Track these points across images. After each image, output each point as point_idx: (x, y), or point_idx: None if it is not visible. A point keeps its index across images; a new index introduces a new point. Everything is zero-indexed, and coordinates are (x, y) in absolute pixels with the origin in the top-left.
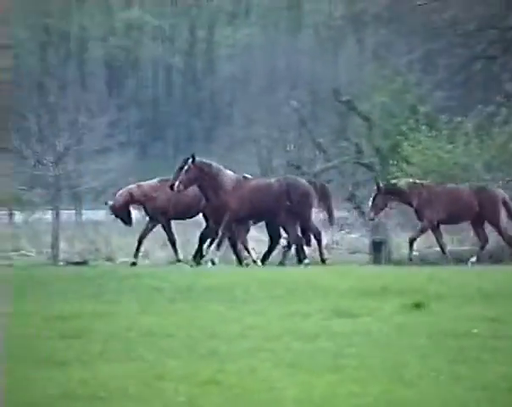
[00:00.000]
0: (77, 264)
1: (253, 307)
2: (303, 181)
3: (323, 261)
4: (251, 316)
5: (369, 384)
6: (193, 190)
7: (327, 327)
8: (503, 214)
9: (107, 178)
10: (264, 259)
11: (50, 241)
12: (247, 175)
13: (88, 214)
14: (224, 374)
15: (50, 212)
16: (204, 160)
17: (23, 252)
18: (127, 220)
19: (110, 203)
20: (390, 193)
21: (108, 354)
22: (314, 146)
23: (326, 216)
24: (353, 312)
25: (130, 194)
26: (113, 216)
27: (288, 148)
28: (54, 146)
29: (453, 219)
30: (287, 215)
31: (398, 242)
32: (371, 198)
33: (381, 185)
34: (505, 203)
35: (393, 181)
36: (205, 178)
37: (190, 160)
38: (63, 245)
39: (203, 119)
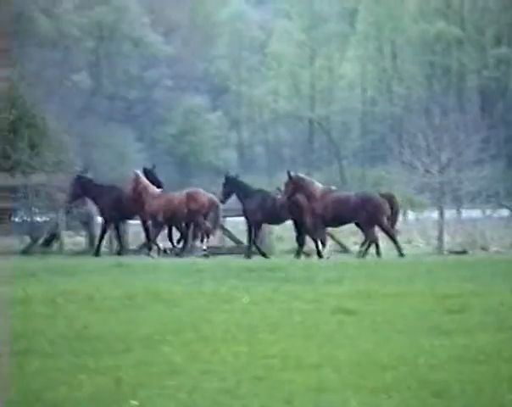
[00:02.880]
0: (458, 253)
1: None
2: (376, 195)
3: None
4: None
5: None
6: None
7: None
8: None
9: (481, 184)
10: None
11: (436, 234)
12: (332, 188)
13: (467, 213)
14: None
15: (436, 211)
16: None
17: (414, 243)
18: None
19: None
20: None
21: (483, 324)
22: None
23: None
24: None
25: None
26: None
27: None
28: (439, 158)
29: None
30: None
31: None
32: None
33: None
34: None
35: None
36: (300, 189)
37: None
38: (446, 238)
39: None
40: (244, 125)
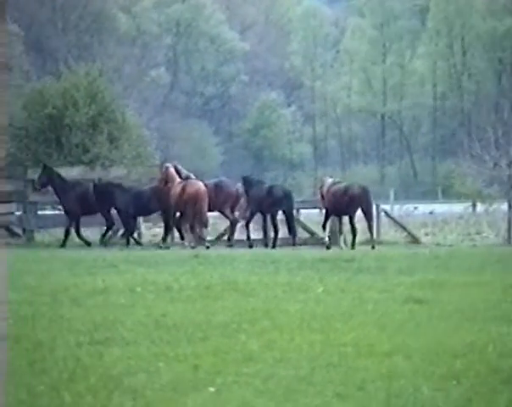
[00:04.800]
0: None
1: None
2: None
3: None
4: None
5: None
6: None
7: None
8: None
9: None
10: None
11: (505, 226)
12: (337, 180)
13: None
14: None
15: (505, 203)
16: None
17: (484, 235)
18: None
19: None
20: None
21: None
22: None
23: None
24: None
25: None
26: None
27: None
28: (508, 152)
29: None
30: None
31: None
32: None
33: None
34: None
35: None
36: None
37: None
38: None
39: None
40: (318, 120)
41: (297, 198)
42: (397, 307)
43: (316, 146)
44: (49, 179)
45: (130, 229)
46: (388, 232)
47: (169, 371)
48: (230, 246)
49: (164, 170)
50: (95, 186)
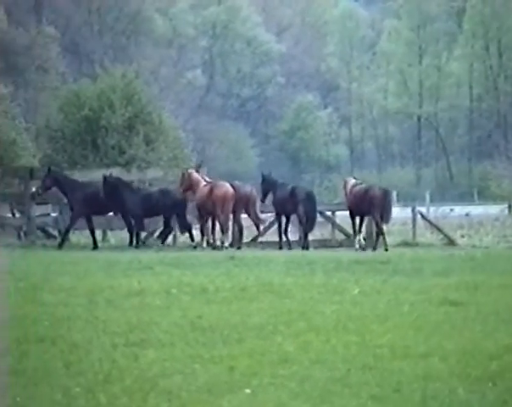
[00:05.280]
0: None
1: None
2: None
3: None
4: None
5: None
6: None
7: None
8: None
9: None
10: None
11: None
12: (359, 182)
13: None
14: None
15: None
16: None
17: None
18: None
19: None
20: None
21: None
22: None
23: None
24: None
25: None
26: None
27: None
28: None
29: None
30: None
31: None
32: None
33: None
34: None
35: None
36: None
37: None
38: None
39: None
40: (354, 122)
41: (333, 200)
42: (432, 309)
43: (352, 148)
44: (55, 181)
45: (141, 229)
46: (424, 234)
47: (205, 373)
48: (239, 248)
49: (186, 175)
50: (105, 180)
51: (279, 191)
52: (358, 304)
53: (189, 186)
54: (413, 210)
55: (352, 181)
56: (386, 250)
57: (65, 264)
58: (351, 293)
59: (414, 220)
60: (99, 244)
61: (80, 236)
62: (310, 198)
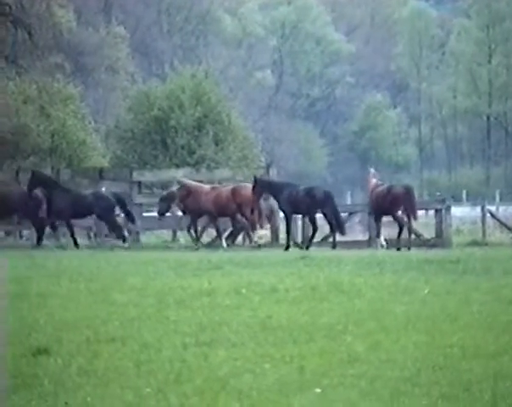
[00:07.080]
0: None
1: None
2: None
3: None
4: None
5: None
6: None
7: None
8: None
9: None
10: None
11: None
12: (379, 182)
13: None
14: None
15: None
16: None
17: None
18: None
19: None
20: None
21: None
22: None
23: None
24: None
25: None
26: None
27: None
28: None
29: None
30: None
31: None
32: None
33: None
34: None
35: None
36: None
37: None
38: None
39: None
40: (423, 122)
41: None
42: (503, 308)
43: (422, 147)
44: (40, 182)
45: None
46: (494, 233)
47: (275, 373)
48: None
49: (182, 186)
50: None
51: (286, 191)
52: (428, 304)
53: (188, 193)
54: (482, 209)
55: (372, 171)
56: (409, 249)
57: (135, 264)
58: (421, 293)
59: (483, 219)
60: (169, 244)
61: (150, 236)
62: (330, 198)
